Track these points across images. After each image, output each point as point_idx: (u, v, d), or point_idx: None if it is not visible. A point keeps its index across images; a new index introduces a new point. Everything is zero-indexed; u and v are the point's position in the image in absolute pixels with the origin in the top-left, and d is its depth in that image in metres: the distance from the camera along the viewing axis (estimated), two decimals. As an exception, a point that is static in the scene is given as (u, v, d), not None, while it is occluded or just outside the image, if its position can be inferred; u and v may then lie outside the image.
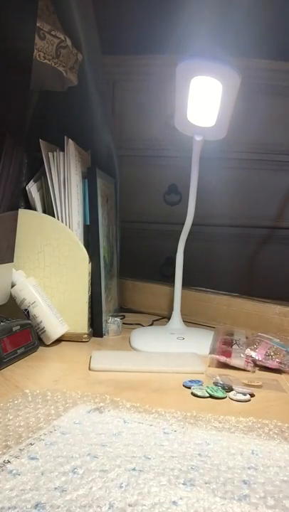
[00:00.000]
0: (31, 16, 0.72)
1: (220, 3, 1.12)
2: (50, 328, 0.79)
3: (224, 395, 0.60)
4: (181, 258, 0.94)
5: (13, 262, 0.79)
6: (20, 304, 0.80)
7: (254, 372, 0.71)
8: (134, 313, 1.09)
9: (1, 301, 0.78)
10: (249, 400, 0.59)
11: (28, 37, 0.72)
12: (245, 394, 0.60)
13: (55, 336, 0.79)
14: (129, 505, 0.35)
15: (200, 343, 0.83)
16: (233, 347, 0.78)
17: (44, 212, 0.87)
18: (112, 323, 0.90)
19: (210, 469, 0.41)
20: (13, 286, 0.80)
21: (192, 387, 0.61)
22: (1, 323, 0.72)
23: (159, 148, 1.24)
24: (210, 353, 0.76)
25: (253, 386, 0.63)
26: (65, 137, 0.87)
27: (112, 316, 0.94)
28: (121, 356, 0.74)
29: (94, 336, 0.88)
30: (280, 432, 0.49)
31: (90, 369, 0.69)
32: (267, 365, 0.72)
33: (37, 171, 0.90)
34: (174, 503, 0.35)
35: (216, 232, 1.26)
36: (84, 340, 0.84)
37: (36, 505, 0.34)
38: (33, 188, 0.87)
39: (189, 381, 0.64)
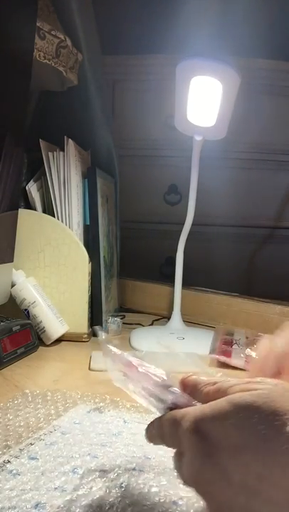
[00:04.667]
0: (31, 16, 0.72)
1: (220, 3, 1.12)
2: (50, 328, 0.79)
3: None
4: (181, 258, 0.94)
5: (13, 262, 0.79)
6: (20, 303, 0.80)
7: (254, 372, 0.70)
8: (134, 313, 1.09)
9: (1, 301, 0.78)
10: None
11: (28, 37, 0.72)
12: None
13: (55, 335, 0.79)
14: (129, 505, 0.35)
15: (200, 343, 0.83)
16: (233, 347, 0.78)
17: (44, 212, 0.87)
18: (112, 323, 0.90)
19: (210, 469, 0.41)
20: (13, 286, 0.80)
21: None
22: (1, 323, 0.72)
23: (159, 148, 1.24)
24: (210, 353, 0.76)
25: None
26: (65, 137, 0.87)
27: (112, 316, 0.94)
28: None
29: (94, 336, 0.88)
30: (280, 432, 0.49)
31: (90, 369, 0.69)
32: (267, 365, 0.72)
33: (37, 171, 0.90)
34: (174, 503, 0.35)
35: (216, 232, 1.26)
36: (84, 340, 0.84)
37: (36, 505, 0.34)
38: (33, 188, 0.87)
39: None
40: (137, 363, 0.37)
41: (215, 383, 0.31)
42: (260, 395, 0.27)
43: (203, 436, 0.28)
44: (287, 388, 0.28)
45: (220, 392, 0.30)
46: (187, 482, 0.30)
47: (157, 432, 0.33)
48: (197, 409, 0.29)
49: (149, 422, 0.35)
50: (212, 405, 0.28)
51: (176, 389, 0.34)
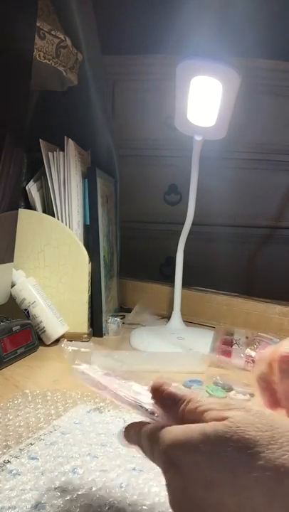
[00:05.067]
0: (31, 16, 0.72)
1: (220, 3, 1.12)
2: (50, 328, 0.79)
3: (224, 395, 0.60)
4: (181, 258, 0.94)
5: (13, 262, 0.79)
6: (20, 303, 0.80)
7: (254, 372, 0.71)
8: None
9: (1, 301, 0.78)
10: (249, 400, 0.59)
11: (28, 37, 0.72)
12: (245, 394, 0.60)
13: (55, 335, 0.79)
14: (129, 505, 0.35)
15: (200, 343, 0.83)
16: (233, 347, 0.78)
17: (44, 212, 0.87)
18: (112, 323, 0.90)
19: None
20: (13, 286, 0.80)
21: (192, 387, 0.61)
22: (1, 323, 0.72)
23: (159, 148, 1.24)
24: (210, 353, 0.76)
25: (253, 386, 0.63)
26: (65, 137, 0.87)
27: (112, 316, 0.94)
28: (121, 356, 0.74)
29: (94, 335, 0.88)
30: (280, 432, 0.49)
31: (90, 369, 0.69)
32: (267, 365, 0.72)
33: (37, 171, 0.90)
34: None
35: (216, 232, 1.26)
36: (84, 340, 0.84)
37: (36, 505, 0.34)
38: (33, 188, 0.87)
39: (189, 381, 0.64)
40: (106, 383, 0.35)
41: (189, 402, 0.30)
42: (231, 425, 0.26)
43: (175, 465, 0.27)
44: (261, 414, 0.27)
45: (196, 413, 0.29)
46: (171, 504, 0.29)
47: (136, 440, 0.32)
48: (171, 433, 0.28)
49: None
50: (186, 432, 0.28)
51: (149, 409, 0.33)
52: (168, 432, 0.29)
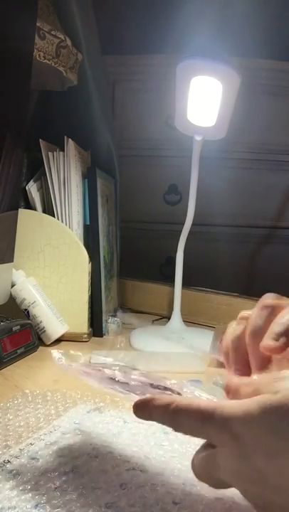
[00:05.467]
0: (31, 16, 0.72)
1: (220, 3, 1.12)
2: (50, 328, 0.79)
3: (224, 395, 0.59)
4: (181, 258, 0.93)
5: (13, 262, 0.79)
6: (20, 303, 0.80)
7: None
8: (134, 313, 1.09)
9: (1, 301, 0.78)
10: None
11: (28, 37, 0.72)
12: (245, 394, 0.60)
13: (55, 335, 0.79)
14: (129, 506, 0.35)
15: (200, 343, 0.82)
16: (233, 347, 0.78)
17: (44, 212, 0.87)
18: (112, 323, 0.90)
19: (210, 469, 0.41)
20: (13, 286, 0.80)
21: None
22: (1, 323, 0.72)
23: (159, 148, 1.24)
24: (210, 353, 0.76)
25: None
26: (65, 137, 0.87)
27: (112, 316, 0.94)
28: (121, 356, 0.74)
29: (94, 335, 0.88)
30: (280, 432, 0.49)
31: (90, 369, 0.69)
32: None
33: (37, 171, 0.90)
34: (174, 503, 0.35)
35: (216, 231, 1.26)
36: (84, 340, 0.84)
37: (36, 505, 0.34)
38: (33, 188, 0.87)
39: (189, 381, 0.63)
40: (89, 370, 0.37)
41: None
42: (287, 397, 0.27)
43: (235, 437, 0.28)
44: None
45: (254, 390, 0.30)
46: (224, 476, 0.30)
47: (168, 417, 0.32)
48: (228, 408, 0.29)
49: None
50: (244, 407, 0.28)
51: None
52: (224, 407, 0.29)
